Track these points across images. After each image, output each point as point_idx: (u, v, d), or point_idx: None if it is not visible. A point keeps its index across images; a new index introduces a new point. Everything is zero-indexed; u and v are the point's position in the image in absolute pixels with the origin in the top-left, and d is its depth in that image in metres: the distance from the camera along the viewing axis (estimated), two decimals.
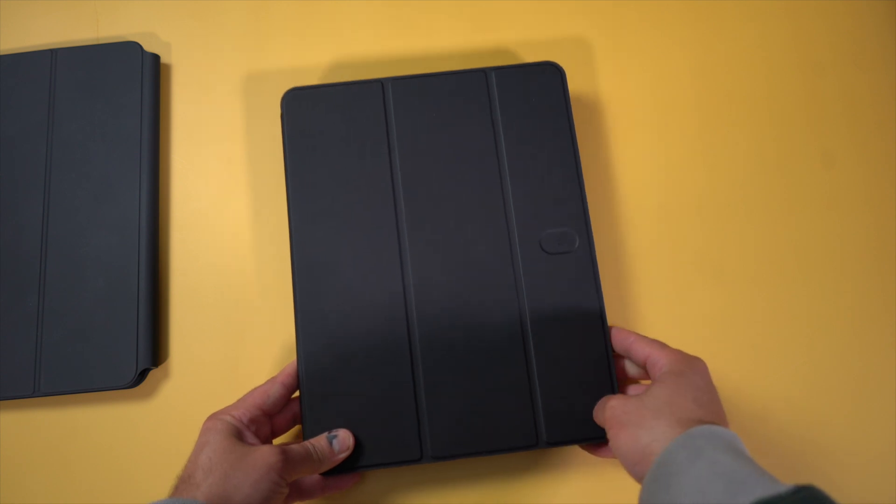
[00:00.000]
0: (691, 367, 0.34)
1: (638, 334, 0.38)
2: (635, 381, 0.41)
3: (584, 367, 0.40)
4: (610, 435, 0.34)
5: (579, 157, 0.43)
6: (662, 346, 0.36)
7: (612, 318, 0.45)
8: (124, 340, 0.44)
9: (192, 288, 0.47)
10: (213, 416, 0.36)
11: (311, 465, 0.36)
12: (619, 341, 0.39)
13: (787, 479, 0.43)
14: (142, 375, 0.44)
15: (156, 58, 0.50)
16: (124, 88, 0.48)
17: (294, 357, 0.43)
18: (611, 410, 0.34)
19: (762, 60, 0.50)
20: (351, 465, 0.40)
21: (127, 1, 0.52)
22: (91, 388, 0.43)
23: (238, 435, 0.35)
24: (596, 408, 0.38)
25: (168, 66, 0.51)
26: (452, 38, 0.51)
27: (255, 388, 0.39)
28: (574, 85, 0.49)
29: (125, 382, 0.43)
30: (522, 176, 0.44)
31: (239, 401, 0.38)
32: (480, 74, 0.46)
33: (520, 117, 0.45)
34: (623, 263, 0.46)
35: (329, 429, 0.40)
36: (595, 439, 0.40)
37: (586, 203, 0.43)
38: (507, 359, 0.41)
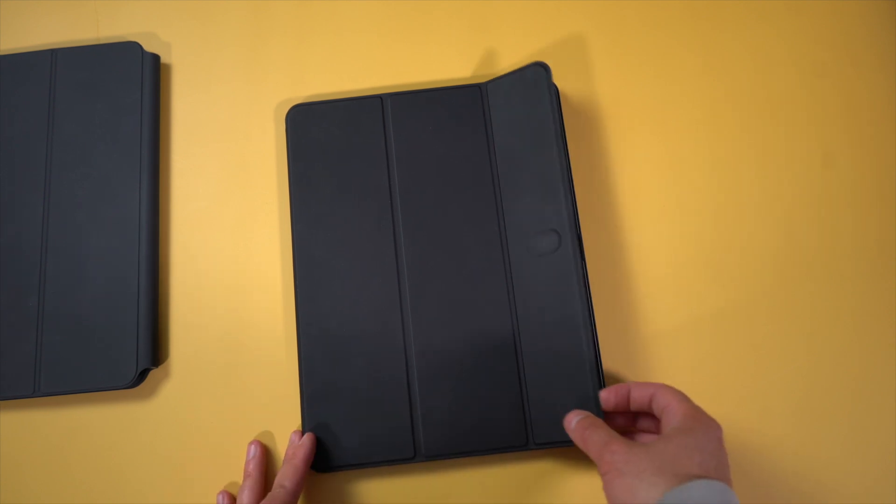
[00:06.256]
0: (704, 429, 0.33)
1: (665, 385, 0.37)
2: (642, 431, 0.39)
3: (569, 370, 0.40)
4: (605, 479, 0.33)
5: (564, 156, 0.42)
6: (683, 399, 0.35)
7: (613, 319, 0.45)
8: (124, 340, 0.44)
9: (192, 288, 0.47)
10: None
11: None
12: (643, 388, 0.37)
13: (788, 480, 0.43)
14: (142, 375, 0.44)
15: (156, 58, 0.50)
16: (124, 88, 0.48)
17: (291, 361, 0.44)
18: (611, 455, 0.33)
19: (762, 60, 0.50)
20: (347, 464, 0.41)
21: (127, 1, 0.52)
22: (91, 388, 0.43)
23: None
24: (574, 424, 0.37)
25: (168, 66, 0.51)
26: (451, 38, 0.51)
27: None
28: (574, 85, 0.49)
29: (125, 382, 0.43)
30: (514, 182, 0.45)
31: None
32: (475, 89, 0.47)
33: (511, 123, 0.46)
34: (623, 264, 0.46)
35: (327, 427, 0.41)
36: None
37: (571, 202, 0.42)
38: (499, 361, 0.42)
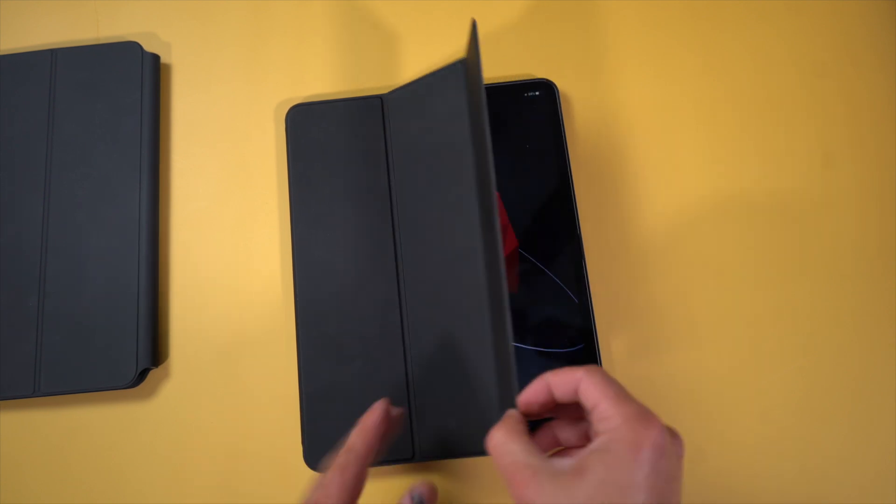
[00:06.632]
0: (630, 450, 0.25)
1: (593, 370, 0.29)
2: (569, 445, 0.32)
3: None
4: None
5: (488, 167, 0.35)
6: (613, 395, 0.27)
7: (613, 318, 0.45)
8: (124, 340, 0.44)
9: (192, 288, 0.47)
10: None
11: None
12: (564, 381, 0.29)
13: (788, 481, 0.43)
14: (142, 375, 0.44)
15: (156, 58, 0.50)
16: (124, 88, 0.48)
17: (291, 361, 0.44)
18: (515, 489, 0.27)
19: (762, 60, 0.50)
20: None
21: (127, 1, 0.52)
22: (91, 388, 0.43)
23: None
24: (495, 440, 0.29)
25: (168, 66, 0.51)
26: (451, 38, 0.51)
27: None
28: (573, 86, 0.49)
29: (125, 382, 0.43)
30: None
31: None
32: (460, 64, 0.45)
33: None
34: (623, 264, 0.46)
35: (327, 426, 0.41)
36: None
37: (492, 205, 0.37)
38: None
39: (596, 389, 0.28)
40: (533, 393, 0.30)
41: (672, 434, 0.27)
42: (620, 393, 0.28)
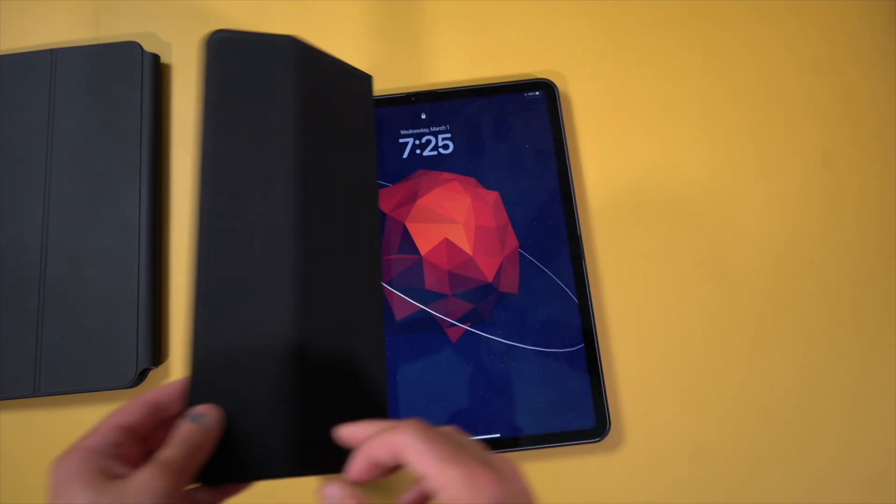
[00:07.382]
0: None
1: (409, 433, 0.26)
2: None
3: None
4: None
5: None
6: (441, 459, 0.25)
7: (613, 318, 0.45)
8: (124, 340, 0.44)
9: None
10: (62, 458, 0.28)
11: (195, 459, 0.28)
12: (385, 451, 0.26)
13: (788, 480, 0.43)
14: (142, 375, 0.44)
15: (156, 58, 0.50)
16: (124, 88, 0.48)
17: None
18: None
19: (762, 60, 0.50)
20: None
21: (127, 1, 0.52)
22: (91, 388, 0.43)
23: (102, 470, 0.27)
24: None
25: (168, 66, 0.51)
26: (451, 38, 0.51)
27: (114, 410, 0.31)
28: (573, 85, 0.49)
29: (125, 382, 0.43)
30: None
31: (92, 429, 0.30)
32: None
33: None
34: (624, 263, 0.46)
35: (320, 424, 0.39)
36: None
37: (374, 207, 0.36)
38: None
39: (418, 459, 0.25)
40: (358, 471, 0.28)
41: (503, 476, 0.25)
42: (443, 454, 0.25)
